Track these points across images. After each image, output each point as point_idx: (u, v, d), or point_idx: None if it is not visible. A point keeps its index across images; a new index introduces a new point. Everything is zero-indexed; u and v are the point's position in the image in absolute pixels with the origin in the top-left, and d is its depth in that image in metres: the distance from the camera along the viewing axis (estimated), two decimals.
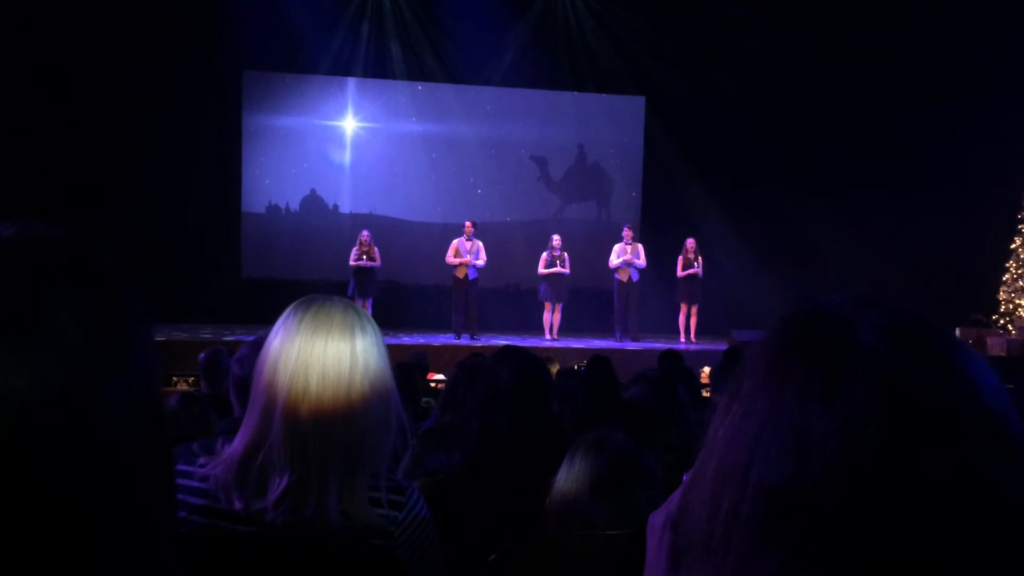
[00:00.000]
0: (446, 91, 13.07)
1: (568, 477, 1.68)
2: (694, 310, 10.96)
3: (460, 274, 10.50)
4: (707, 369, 6.66)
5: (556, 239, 10.78)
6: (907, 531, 0.49)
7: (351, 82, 12.92)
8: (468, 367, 2.97)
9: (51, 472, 0.52)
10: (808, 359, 0.55)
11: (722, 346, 8.93)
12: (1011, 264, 11.81)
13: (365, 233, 10.65)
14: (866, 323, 0.55)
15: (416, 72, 12.95)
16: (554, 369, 5.10)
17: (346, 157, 12.98)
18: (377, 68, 12.92)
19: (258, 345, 2.02)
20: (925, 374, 0.52)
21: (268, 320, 1.45)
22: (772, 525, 0.51)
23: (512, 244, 12.63)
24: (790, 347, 0.56)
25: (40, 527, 0.51)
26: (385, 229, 12.25)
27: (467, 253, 10.50)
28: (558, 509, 1.67)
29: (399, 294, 12.24)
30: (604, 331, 11.33)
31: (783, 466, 0.52)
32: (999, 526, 0.50)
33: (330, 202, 13.01)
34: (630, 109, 13.51)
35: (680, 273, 10.89)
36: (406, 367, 4.76)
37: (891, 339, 0.54)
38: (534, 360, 2.30)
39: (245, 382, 2.05)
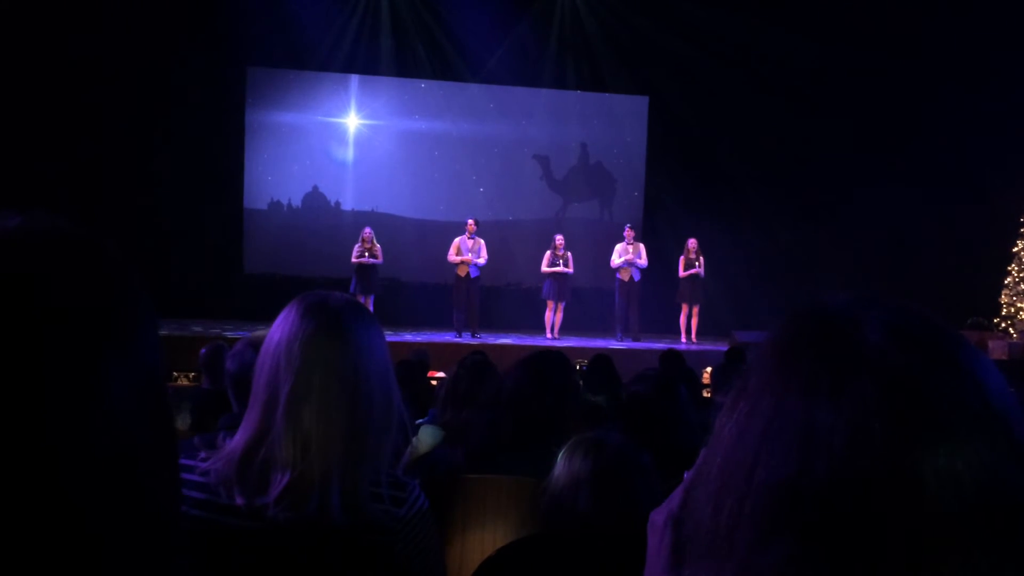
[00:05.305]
0: (449, 89, 13.06)
1: (564, 476, 1.67)
2: (696, 310, 10.96)
3: (462, 272, 10.50)
4: (709, 369, 6.65)
5: (559, 239, 10.78)
6: (912, 528, 0.49)
7: (354, 79, 12.91)
8: (469, 365, 2.96)
9: (54, 464, 0.51)
10: (815, 356, 0.55)
11: (723, 347, 8.92)
12: (1013, 267, 11.78)
13: (367, 230, 10.66)
14: (873, 321, 0.55)
15: (419, 70, 12.95)
16: None
17: (349, 154, 12.97)
18: (380, 65, 12.91)
19: (254, 342, 2.02)
20: (932, 372, 0.53)
21: (270, 316, 1.45)
22: (777, 521, 0.51)
23: (513, 243, 12.63)
24: (797, 344, 0.56)
25: (44, 520, 0.51)
26: (387, 226, 12.25)
27: (469, 251, 10.51)
28: (554, 507, 1.66)
29: (401, 291, 12.24)
30: (605, 331, 11.32)
31: (788, 462, 0.52)
32: (1003, 524, 0.50)
33: (332, 199, 13.00)
34: (633, 109, 13.49)
35: (682, 273, 10.89)
36: (407, 364, 4.77)
37: (898, 337, 0.54)
38: (563, 362, 2.35)
39: (241, 378, 2.05)
